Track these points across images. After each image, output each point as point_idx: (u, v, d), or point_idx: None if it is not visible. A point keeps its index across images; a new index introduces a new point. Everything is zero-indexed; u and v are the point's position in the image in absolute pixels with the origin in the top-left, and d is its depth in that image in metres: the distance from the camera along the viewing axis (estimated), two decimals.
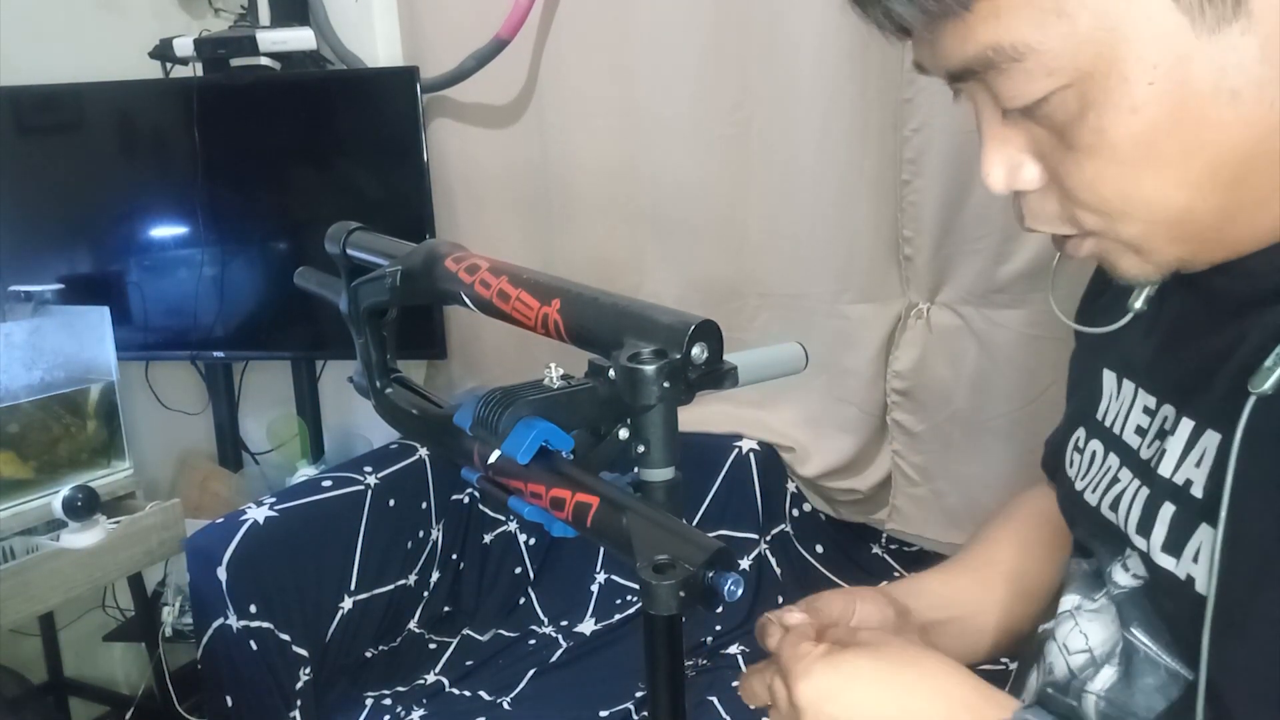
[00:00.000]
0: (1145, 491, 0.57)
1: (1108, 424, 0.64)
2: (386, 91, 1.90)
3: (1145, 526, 0.56)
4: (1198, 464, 0.52)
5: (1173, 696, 0.54)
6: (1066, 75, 0.45)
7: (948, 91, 0.54)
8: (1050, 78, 0.46)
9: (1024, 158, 0.51)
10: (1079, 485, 0.65)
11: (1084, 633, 0.61)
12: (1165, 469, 0.55)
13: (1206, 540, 0.50)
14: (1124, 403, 0.62)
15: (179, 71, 2.03)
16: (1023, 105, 0.48)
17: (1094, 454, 0.65)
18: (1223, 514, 0.48)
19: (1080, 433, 0.67)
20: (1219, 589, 0.48)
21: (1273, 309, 0.49)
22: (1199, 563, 0.51)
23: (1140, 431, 0.60)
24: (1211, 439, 0.52)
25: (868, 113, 1.65)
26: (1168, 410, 0.57)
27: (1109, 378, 0.65)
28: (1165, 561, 0.54)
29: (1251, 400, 0.47)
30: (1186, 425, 0.54)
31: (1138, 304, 0.59)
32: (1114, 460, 0.62)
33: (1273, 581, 0.47)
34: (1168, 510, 0.54)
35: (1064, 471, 0.69)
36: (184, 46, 1.93)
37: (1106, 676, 0.58)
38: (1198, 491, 0.52)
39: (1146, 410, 0.60)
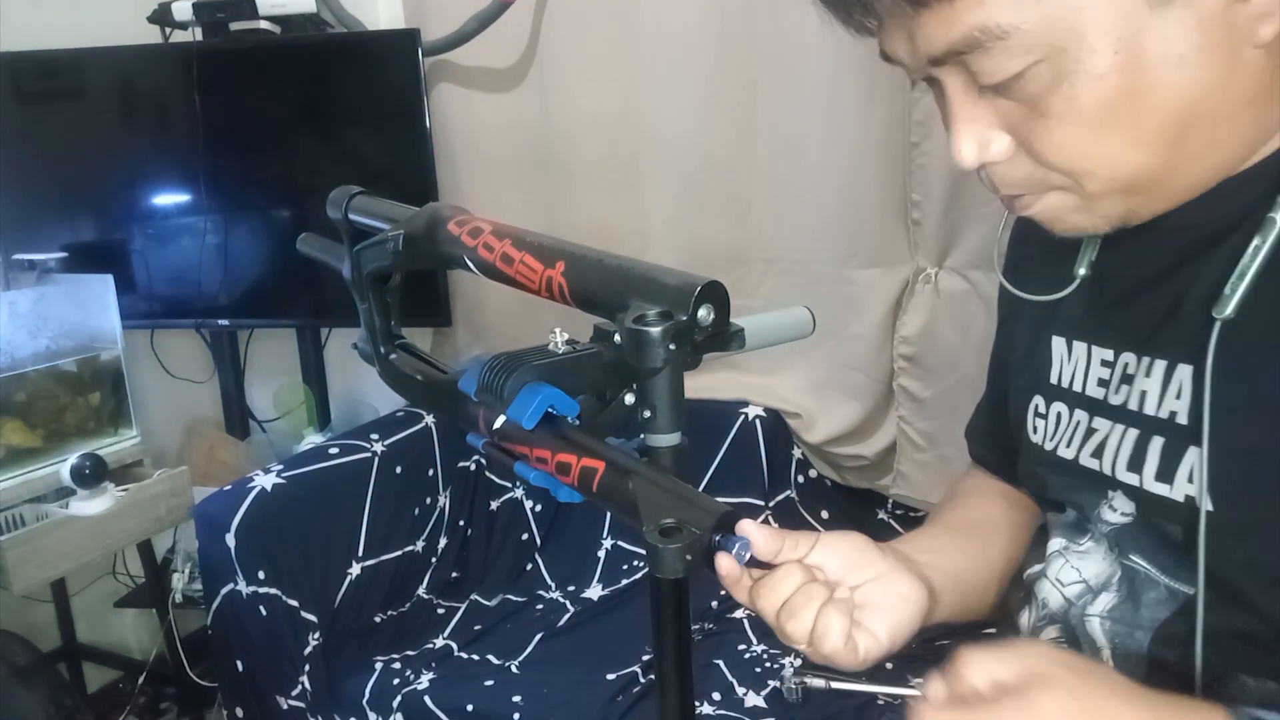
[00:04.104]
0: (1134, 432, 0.62)
1: (1064, 385, 0.70)
2: (387, 55, 1.88)
3: (1136, 462, 0.62)
4: (1178, 396, 0.59)
5: (1173, 607, 0.61)
6: (1041, 50, 0.51)
7: None
8: (1027, 54, 0.51)
9: (993, 133, 0.57)
10: (1049, 445, 0.71)
11: (1076, 568, 0.68)
12: (1150, 408, 0.61)
13: (1197, 461, 0.57)
14: (1078, 362, 0.69)
15: (178, 36, 2.01)
16: (1000, 80, 0.53)
17: (1059, 415, 0.70)
18: (1205, 434, 0.55)
19: (1038, 400, 0.73)
20: (1215, 500, 0.55)
21: (1222, 246, 0.57)
22: (1194, 482, 0.58)
23: (1103, 383, 0.66)
24: (1185, 371, 0.59)
25: (876, 73, 1.63)
26: (1128, 357, 0.64)
27: (1058, 343, 0.71)
28: (1159, 489, 0.60)
29: (1217, 326, 0.55)
30: (1159, 365, 0.61)
31: (1082, 270, 0.66)
32: (1082, 415, 0.68)
33: (1267, 487, 0.54)
34: (1157, 443, 0.60)
35: (1027, 439, 0.74)
36: (183, 10, 1.91)
37: (1106, 600, 0.65)
38: (1183, 419, 0.59)
39: (1105, 363, 0.66)
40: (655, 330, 0.53)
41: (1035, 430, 0.73)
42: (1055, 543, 0.70)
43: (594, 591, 1.87)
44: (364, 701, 1.58)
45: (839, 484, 1.93)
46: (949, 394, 1.73)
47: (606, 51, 1.83)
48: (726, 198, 1.83)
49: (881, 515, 1.90)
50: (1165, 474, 0.60)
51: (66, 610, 2.04)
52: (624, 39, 1.81)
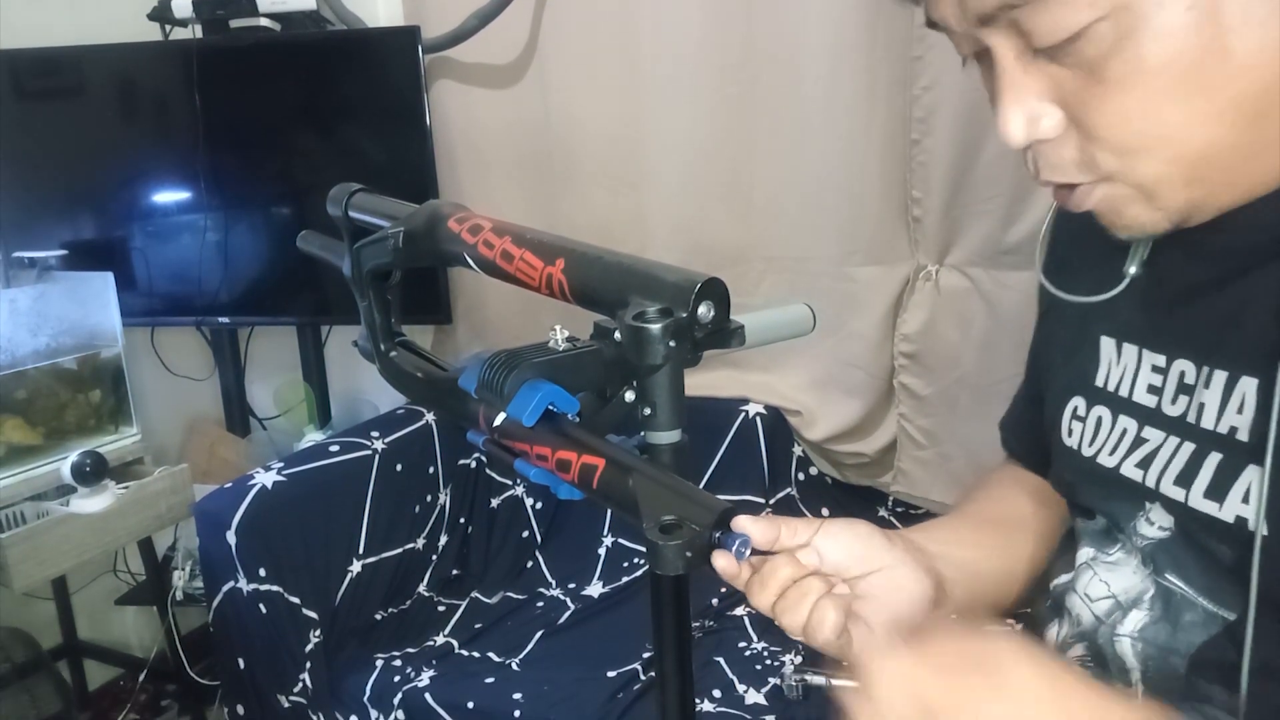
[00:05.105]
0: (1190, 446, 0.58)
1: (1111, 389, 0.64)
2: (387, 52, 1.88)
3: (1186, 477, 0.57)
4: (1239, 410, 0.54)
5: (1212, 631, 0.56)
6: (1104, 6, 0.46)
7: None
8: (1088, 9, 0.46)
9: (1044, 106, 0.51)
10: (1087, 451, 0.66)
11: (1104, 581, 0.63)
12: (1208, 421, 0.56)
13: (1256, 480, 0.52)
14: (1127, 366, 0.63)
15: (178, 33, 2.00)
16: (1058, 40, 0.48)
17: (1099, 419, 0.65)
18: (1270, 451, 0.50)
19: (1078, 402, 0.68)
20: (1272, 523, 0.51)
21: None
22: (1249, 503, 0.53)
23: (1154, 390, 0.61)
24: (1248, 385, 0.54)
25: (876, 70, 1.62)
26: (1185, 365, 0.59)
27: (1107, 344, 0.65)
28: (1207, 507, 0.55)
29: None
30: (1220, 376, 0.55)
31: (1132, 268, 0.60)
32: (1129, 422, 0.63)
33: None
34: (1213, 459, 0.55)
35: (1061, 442, 0.69)
36: (182, 8, 1.91)
37: (1136, 619, 0.61)
38: (1244, 436, 0.54)
39: (1156, 369, 0.61)
40: (655, 327, 0.53)
41: (1071, 433, 0.68)
42: (1084, 553, 0.66)
43: (594, 589, 1.87)
44: (365, 699, 1.59)
45: (839, 481, 1.93)
46: (949, 391, 1.73)
47: (606, 48, 1.83)
48: (726, 195, 1.83)
49: (882, 513, 1.90)
50: (1216, 492, 0.55)
51: (67, 608, 2.04)
52: (624, 36, 1.80)
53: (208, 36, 1.95)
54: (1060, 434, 0.69)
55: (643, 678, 1.55)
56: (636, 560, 1.90)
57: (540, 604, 1.85)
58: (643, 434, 0.57)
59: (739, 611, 1.73)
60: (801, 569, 0.57)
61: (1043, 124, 0.51)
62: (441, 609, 1.84)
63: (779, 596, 0.56)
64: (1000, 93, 0.52)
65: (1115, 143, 0.50)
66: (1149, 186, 0.51)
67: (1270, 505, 0.51)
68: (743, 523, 0.53)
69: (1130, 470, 0.62)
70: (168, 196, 2.00)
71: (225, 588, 1.56)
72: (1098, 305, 0.64)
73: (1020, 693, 0.47)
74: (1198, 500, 0.56)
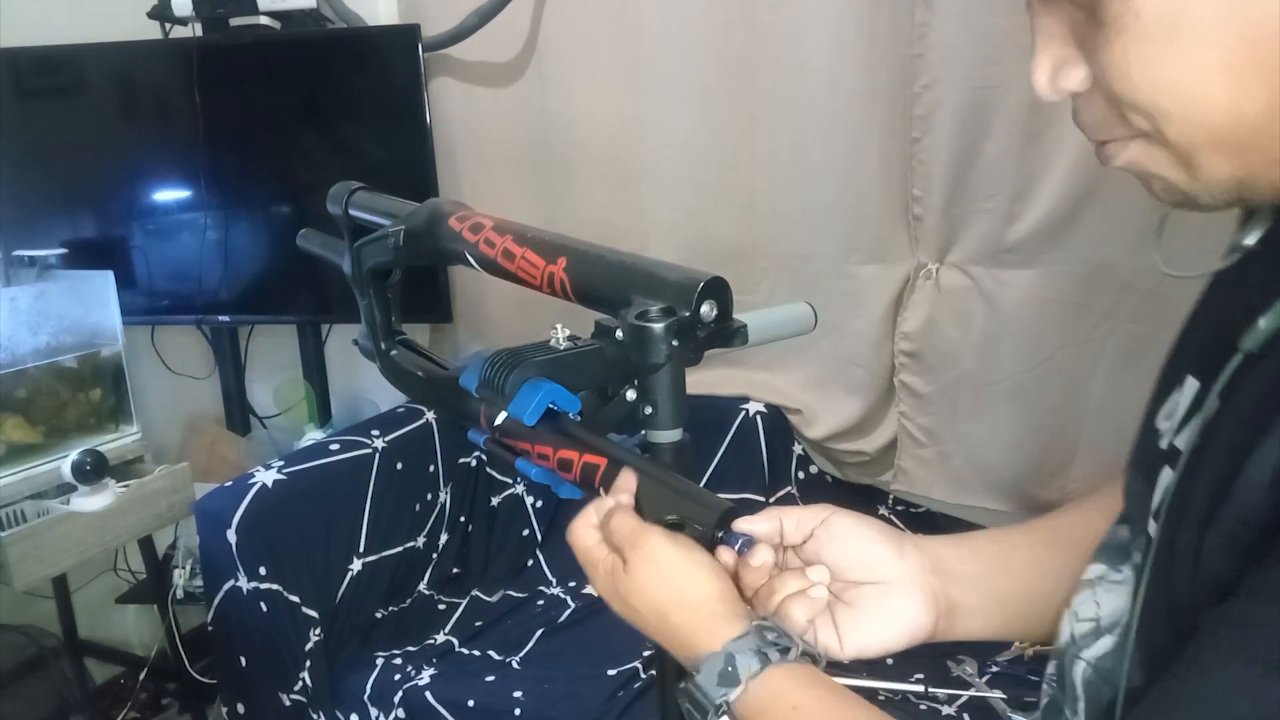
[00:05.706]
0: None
1: None
2: (387, 50, 1.88)
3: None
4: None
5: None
6: None
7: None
8: None
9: (1069, 53, 0.46)
10: (1163, 443, 0.58)
11: (1098, 602, 0.58)
12: (1168, 433, 0.52)
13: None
14: None
15: (178, 32, 2.00)
16: None
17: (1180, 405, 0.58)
18: (1183, 460, 0.46)
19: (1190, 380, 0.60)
20: (1160, 542, 0.47)
21: None
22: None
23: None
24: (1214, 405, 0.47)
25: (877, 68, 1.62)
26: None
27: None
28: (1152, 529, 0.50)
29: (1236, 359, 0.45)
30: (1192, 385, 0.51)
31: (1248, 240, 0.49)
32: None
33: (1191, 528, 0.45)
34: (1166, 476, 0.50)
35: (1152, 422, 0.59)
36: (182, 6, 1.91)
37: (1103, 645, 0.56)
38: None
39: None
40: (658, 326, 0.53)
41: (1168, 417, 0.57)
42: (1094, 569, 0.59)
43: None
44: (365, 697, 1.59)
45: (840, 480, 1.93)
46: (950, 390, 1.73)
47: (607, 46, 1.83)
48: (727, 193, 1.83)
49: (883, 511, 1.90)
50: (1158, 514, 0.50)
51: (68, 606, 2.04)
52: (624, 34, 1.80)
53: (208, 35, 1.94)
54: (1160, 412, 0.58)
55: (643, 676, 1.55)
56: None
57: (540, 602, 1.85)
58: (644, 433, 0.57)
59: None
60: (772, 566, 0.57)
61: (1068, 73, 0.46)
62: (442, 607, 1.84)
63: (753, 592, 0.57)
64: (1033, 40, 0.48)
65: (1126, 96, 0.44)
66: (1182, 150, 0.44)
67: (1168, 515, 0.46)
68: (743, 525, 0.54)
69: None
70: (168, 195, 1.99)
71: (225, 586, 1.56)
72: (1228, 284, 0.55)
73: (642, 575, 0.54)
74: (1149, 522, 0.51)
